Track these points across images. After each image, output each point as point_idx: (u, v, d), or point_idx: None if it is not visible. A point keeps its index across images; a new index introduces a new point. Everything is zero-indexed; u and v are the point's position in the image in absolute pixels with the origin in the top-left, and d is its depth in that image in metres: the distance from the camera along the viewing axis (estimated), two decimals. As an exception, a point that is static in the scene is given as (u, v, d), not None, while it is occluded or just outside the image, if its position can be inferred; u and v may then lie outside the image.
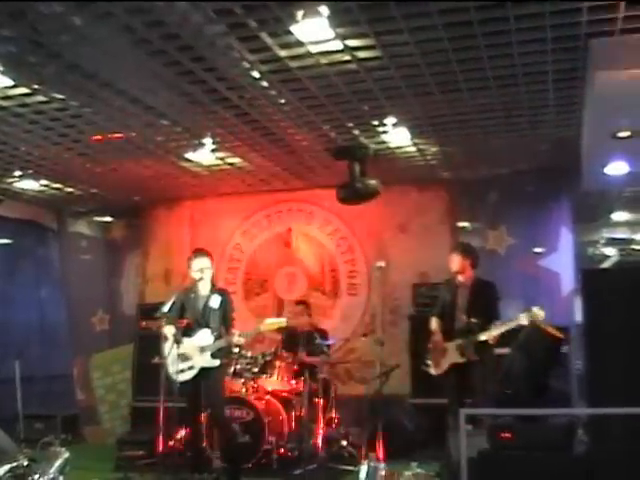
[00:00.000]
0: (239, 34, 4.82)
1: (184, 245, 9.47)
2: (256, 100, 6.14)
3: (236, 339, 6.16)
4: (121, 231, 10.55)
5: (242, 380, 7.32)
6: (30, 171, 8.18)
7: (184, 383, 5.98)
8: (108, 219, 10.58)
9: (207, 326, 6.14)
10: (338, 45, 5.01)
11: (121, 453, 7.48)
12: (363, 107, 6.32)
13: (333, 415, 7.52)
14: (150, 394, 7.77)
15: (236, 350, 7.17)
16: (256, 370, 7.33)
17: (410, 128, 6.94)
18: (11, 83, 5.56)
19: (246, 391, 7.28)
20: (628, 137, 6.16)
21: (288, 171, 8.58)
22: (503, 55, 5.21)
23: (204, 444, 6.59)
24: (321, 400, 7.16)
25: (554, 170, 8.25)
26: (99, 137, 6.99)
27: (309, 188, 9.24)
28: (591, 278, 4.47)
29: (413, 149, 7.69)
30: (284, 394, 7.38)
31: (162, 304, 6.16)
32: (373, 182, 7.53)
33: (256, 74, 5.53)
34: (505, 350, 5.84)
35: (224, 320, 6.19)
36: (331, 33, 4.81)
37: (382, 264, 6.83)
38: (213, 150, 7.52)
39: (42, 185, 8.81)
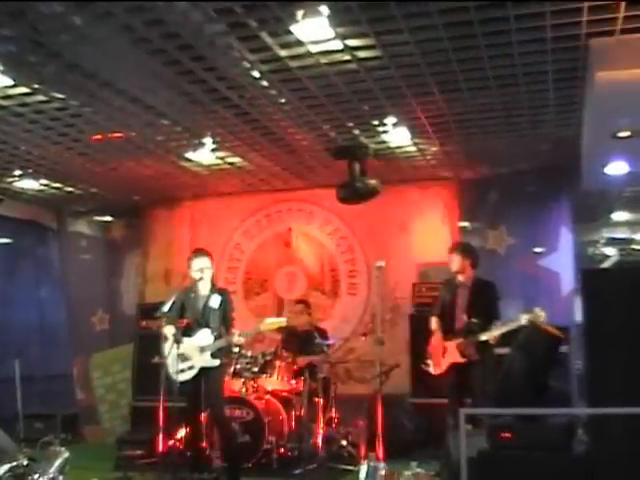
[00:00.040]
0: (239, 33, 4.82)
1: (184, 245, 9.47)
2: (256, 100, 6.14)
3: (236, 339, 6.16)
4: (121, 231, 10.55)
5: (242, 380, 7.32)
6: (30, 170, 8.18)
7: (184, 383, 5.98)
8: (108, 219, 10.59)
9: (207, 326, 6.13)
10: (338, 45, 5.01)
11: (121, 452, 7.49)
12: (363, 107, 6.32)
13: (333, 415, 7.52)
14: (150, 394, 7.79)
15: (236, 350, 7.18)
16: (256, 370, 7.33)
17: (410, 128, 6.94)
18: (11, 82, 5.57)
19: (246, 391, 7.28)
20: (628, 137, 6.16)
21: (288, 171, 8.58)
22: (503, 55, 5.21)
23: (204, 444, 6.58)
24: (321, 400, 7.16)
25: (554, 170, 8.25)
26: (99, 137, 6.99)
27: (309, 188, 9.24)
28: (591, 278, 4.47)
29: (413, 149, 7.69)
30: (284, 394, 7.38)
31: (162, 304, 6.16)
32: (373, 182, 7.53)
33: (256, 74, 5.53)
34: (505, 350, 5.84)
35: (224, 320, 6.19)
36: (331, 33, 4.81)
37: (382, 264, 6.82)
38: (213, 150, 7.53)
39: (42, 184, 8.81)
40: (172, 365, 5.96)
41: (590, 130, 6.31)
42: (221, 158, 7.95)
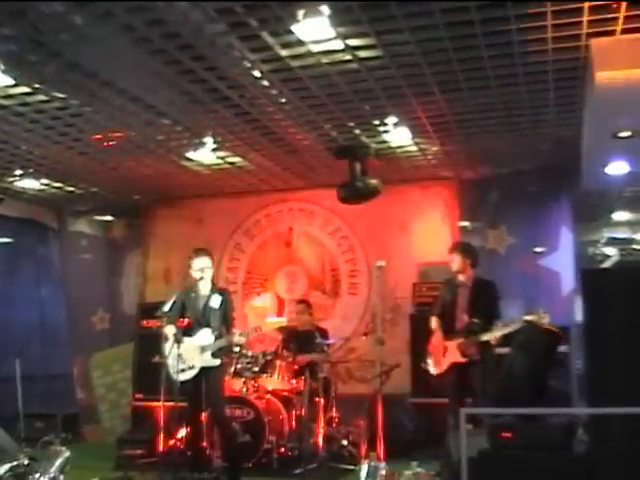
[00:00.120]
0: (240, 33, 4.82)
1: (184, 244, 9.47)
2: (257, 99, 6.14)
3: (236, 338, 6.17)
4: (121, 230, 10.56)
5: (242, 379, 7.32)
6: (31, 170, 8.18)
7: (184, 382, 5.98)
8: (108, 218, 10.59)
9: (207, 325, 6.14)
10: (339, 44, 5.01)
11: (121, 452, 7.49)
12: (364, 106, 6.32)
13: (333, 414, 7.52)
14: (150, 393, 7.81)
15: (236, 349, 7.18)
16: (256, 369, 7.34)
17: (411, 127, 6.94)
18: (12, 82, 5.57)
19: (246, 390, 7.28)
20: (628, 137, 6.15)
21: (289, 170, 8.58)
22: (504, 55, 5.21)
23: (204, 443, 6.58)
24: (321, 399, 7.16)
25: (554, 170, 8.26)
26: (101, 137, 7.00)
27: (310, 187, 9.24)
28: (591, 278, 4.46)
29: (414, 148, 7.69)
30: (284, 393, 7.38)
31: (162, 303, 6.18)
32: (374, 181, 7.53)
33: (257, 73, 5.53)
34: (505, 350, 5.84)
35: (224, 319, 6.20)
36: (332, 32, 4.81)
37: (383, 263, 6.82)
38: (214, 149, 7.53)
39: (43, 184, 8.81)
40: (172, 365, 5.96)
41: (590, 130, 6.31)
42: (222, 158, 7.96)
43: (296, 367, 7.45)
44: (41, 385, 9.20)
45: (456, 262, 6.48)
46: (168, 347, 6.03)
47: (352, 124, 6.83)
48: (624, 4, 4.43)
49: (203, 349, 6.06)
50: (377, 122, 6.77)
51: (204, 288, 6.24)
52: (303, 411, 7.14)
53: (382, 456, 6.12)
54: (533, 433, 4.32)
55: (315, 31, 4.78)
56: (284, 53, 5.14)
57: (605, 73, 4.97)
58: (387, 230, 9.03)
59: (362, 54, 5.19)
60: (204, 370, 6.07)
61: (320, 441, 6.94)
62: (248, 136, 7.18)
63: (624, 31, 4.76)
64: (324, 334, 7.78)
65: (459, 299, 6.42)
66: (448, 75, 5.59)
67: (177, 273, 9.33)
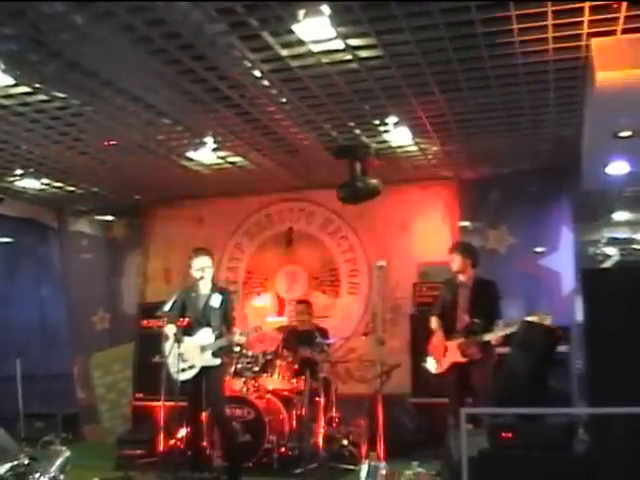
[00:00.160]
0: (240, 33, 4.82)
1: (185, 244, 9.46)
2: (257, 99, 6.14)
3: (237, 338, 6.17)
4: (122, 230, 10.56)
5: (243, 379, 7.32)
6: (31, 170, 8.18)
7: (185, 382, 5.98)
8: (109, 218, 10.59)
9: (208, 325, 6.14)
10: (339, 44, 5.01)
11: (121, 452, 7.48)
12: (364, 106, 6.32)
13: (334, 414, 7.52)
14: (151, 393, 7.81)
15: (237, 349, 7.18)
16: (257, 369, 7.33)
17: (411, 127, 6.94)
18: (12, 82, 5.57)
19: (247, 390, 7.28)
20: (629, 137, 6.16)
21: (289, 170, 8.59)
22: (504, 54, 5.21)
23: (204, 443, 6.59)
24: (322, 399, 7.16)
25: (555, 169, 8.25)
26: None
27: (310, 187, 9.24)
28: (592, 278, 4.46)
29: (414, 148, 7.69)
30: (285, 393, 7.38)
31: (163, 303, 6.18)
32: (374, 181, 7.53)
33: (257, 73, 5.54)
34: (505, 349, 5.84)
35: (225, 319, 6.20)
36: (332, 32, 4.81)
37: (383, 263, 6.82)
38: (214, 149, 7.53)
39: (43, 184, 8.82)
40: (173, 364, 5.96)
41: (591, 130, 6.30)
42: (222, 157, 7.96)
43: (296, 367, 7.45)
44: (41, 385, 9.19)
45: (456, 262, 6.47)
46: (168, 347, 6.04)
47: (352, 124, 6.83)
48: (624, 4, 4.43)
49: (203, 348, 6.05)
50: (377, 122, 6.77)
51: (204, 288, 6.24)
52: (303, 411, 7.13)
53: (382, 456, 6.11)
54: (533, 433, 4.32)
55: (315, 31, 4.78)
56: (284, 53, 5.14)
57: (605, 73, 4.97)
58: (387, 230, 9.03)
59: (362, 54, 5.19)
60: (204, 370, 6.07)
61: (320, 441, 6.94)
62: (248, 136, 7.18)
63: (624, 31, 4.77)
64: (324, 334, 7.77)
65: (460, 299, 6.42)
66: (448, 75, 5.59)
67: (177, 273, 9.33)
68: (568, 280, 8.23)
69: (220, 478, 6.23)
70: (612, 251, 5.55)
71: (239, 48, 5.05)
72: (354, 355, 8.63)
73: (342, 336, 8.42)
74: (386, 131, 7.03)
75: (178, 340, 5.91)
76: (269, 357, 7.42)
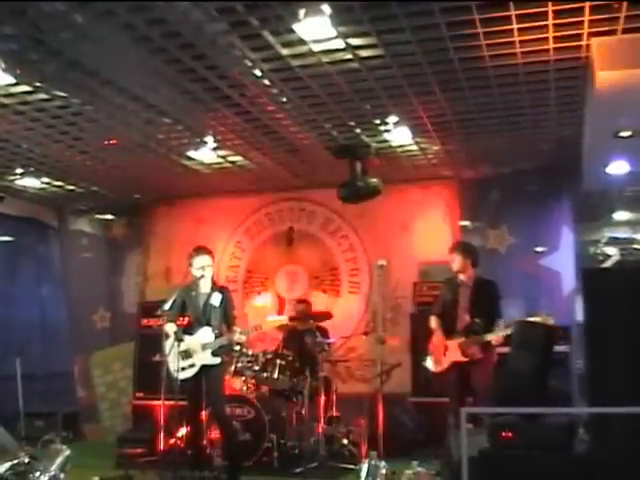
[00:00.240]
0: (241, 32, 4.82)
1: (185, 243, 9.46)
2: (258, 98, 6.14)
3: (237, 337, 6.16)
4: (122, 229, 10.56)
5: (243, 378, 7.32)
6: (31, 169, 8.18)
7: (185, 381, 5.98)
8: (109, 217, 10.59)
9: (208, 324, 6.14)
10: (340, 44, 5.01)
11: (122, 451, 7.49)
12: (365, 106, 6.32)
13: (334, 413, 7.52)
14: (151, 392, 7.81)
15: (237, 348, 7.18)
16: (257, 368, 7.33)
17: (411, 127, 6.94)
18: (12, 81, 5.56)
19: (247, 389, 7.29)
20: (629, 136, 6.16)
21: (289, 169, 8.59)
22: (505, 54, 5.20)
23: (205, 442, 6.59)
24: (322, 398, 7.16)
25: (555, 169, 8.25)
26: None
27: (310, 187, 9.24)
28: (592, 277, 4.46)
29: (415, 148, 7.69)
30: (285, 392, 7.38)
31: (163, 302, 6.18)
32: (374, 181, 7.54)
33: (258, 72, 5.53)
34: (505, 349, 5.84)
35: (225, 318, 6.20)
36: (333, 32, 4.81)
37: (383, 263, 6.82)
38: (214, 148, 7.53)
39: (43, 183, 8.82)
40: (173, 363, 5.96)
41: (591, 129, 6.30)
42: (222, 157, 7.96)
43: (296, 366, 7.44)
44: (42, 384, 9.19)
45: (457, 262, 6.47)
46: (169, 345, 6.04)
47: (353, 123, 6.83)
48: (625, 4, 4.43)
49: (204, 347, 6.06)
50: (378, 121, 6.77)
51: (204, 286, 6.24)
52: (303, 410, 7.14)
53: (382, 455, 6.11)
54: (534, 433, 4.32)
55: (316, 30, 4.78)
56: (285, 52, 5.14)
57: (606, 73, 4.97)
58: (388, 229, 9.03)
59: (363, 53, 5.18)
60: (204, 368, 6.07)
61: (320, 440, 6.95)
62: (249, 135, 7.18)
63: (625, 31, 4.76)
64: (324, 333, 7.77)
65: (460, 299, 6.42)
66: (449, 74, 5.59)
67: (177, 272, 9.32)
68: (568, 280, 8.24)
69: (220, 477, 6.23)
70: (612, 251, 5.55)
71: (239, 47, 5.05)
72: (354, 354, 8.63)
73: (342, 335, 8.42)
74: (386, 130, 7.02)
75: (178, 339, 5.92)
76: (269, 356, 7.41)
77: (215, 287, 6.30)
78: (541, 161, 8.16)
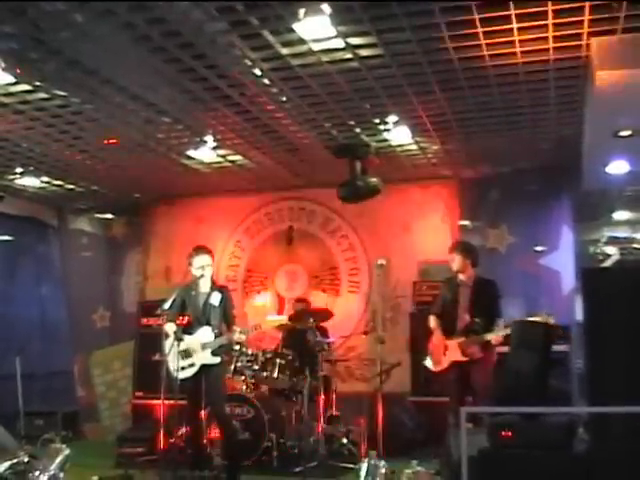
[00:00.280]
0: (241, 32, 4.82)
1: (185, 242, 9.46)
2: (257, 98, 6.14)
3: (237, 336, 6.16)
4: (122, 228, 10.56)
5: (243, 377, 7.32)
6: (31, 168, 8.18)
7: (185, 380, 5.98)
8: (109, 216, 10.59)
9: (208, 323, 6.14)
10: (340, 43, 5.01)
11: (121, 450, 7.50)
12: (364, 105, 6.32)
13: (334, 413, 7.53)
14: (150, 391, 7.81)
15: (237, 347, 7.18)
16: (257, 367, 7.33)
17: (411, 126, 6.94)
18: (12, 80, 5.56)
19: (246, 388, 7.29)
20: (629, 136, 6.16)
21: (289, 169, 8.58)
22: (504, 54, 5.20)
23: (204, 441, 6.59)
24: (322, 398, 7.16)
25: (555, 169, 8.25)
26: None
27: (310, 186, 9.24)
28: (592, 277, 4.46)
29: (414, 147, 7.69)
30: (285, 391, 7.38)
31: (163, 301, 6.18)
32: (374, 180, 7.53)
33: (258, 72, 5.53)
34: (505, 349, 5.84)
35: (225, 317, 6.20)
36: (333, 31, 4.81)
37: (383, 262, 6.83)
38: (214, 148, 7.53)
39: (43, 182, 8.82)
40: (173, 362, 5.96)
41: (591, 129, 6.30)
42: (222, 156, 7.95)
43: (296, 365, 7.45)
44: (41, 383, 9.20)
45: (456, 261, 6.47)
46: (168, 345, 6.04)
47: (352, 123, 6.83)
48: (625, 3, 4.43)
49: (203, 347, 6.06)
50: (377, 121, 6.77)
51: (204, 286, 6.24)
52: (303, 409, 7.14)
53: (382, 454, 6.11)
54: (533, 432, 4.32)
55: (316, 30, 4.78)
56: (285, 52, 5.14)
57: (606, 72, 4.97)
58: (387, 229, 9.04)
59: (363, 53, 5.18)
60: (204, 368, 6.07)
61: (320, 439, 6.95)
62: (248, 134, 7.18)
63: (625, 30, 4.76)
64: (324, 332, 7.77)
65: (460, 298, 6.42)
66: (449, 74, 5.59)
67: (177, 271, 9.32)
68: (568, 279, 8.24)
69: (220, 476, 6.22)
70: (612, 250, 5.56)
71: (239, 47, 5.05)
72: (354, 354, 8.64)
73: (342, 335, 8.42)
74: (386, 130, 7.02)
75: (178, 338, 5.92)
76: (269, 355, 7.42)
77: (215, 286, 6.30)
78: (541, 160, 8.16)
